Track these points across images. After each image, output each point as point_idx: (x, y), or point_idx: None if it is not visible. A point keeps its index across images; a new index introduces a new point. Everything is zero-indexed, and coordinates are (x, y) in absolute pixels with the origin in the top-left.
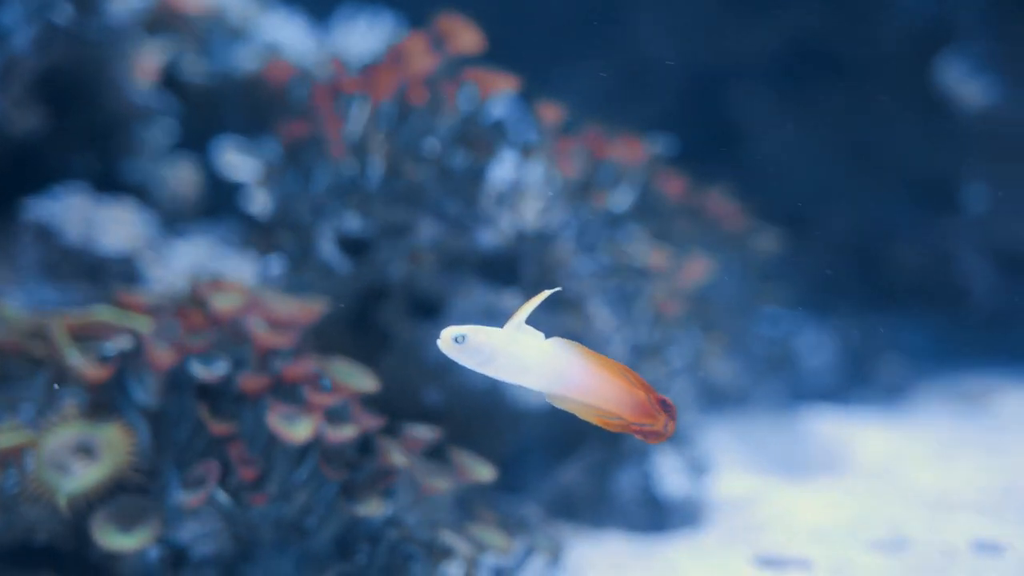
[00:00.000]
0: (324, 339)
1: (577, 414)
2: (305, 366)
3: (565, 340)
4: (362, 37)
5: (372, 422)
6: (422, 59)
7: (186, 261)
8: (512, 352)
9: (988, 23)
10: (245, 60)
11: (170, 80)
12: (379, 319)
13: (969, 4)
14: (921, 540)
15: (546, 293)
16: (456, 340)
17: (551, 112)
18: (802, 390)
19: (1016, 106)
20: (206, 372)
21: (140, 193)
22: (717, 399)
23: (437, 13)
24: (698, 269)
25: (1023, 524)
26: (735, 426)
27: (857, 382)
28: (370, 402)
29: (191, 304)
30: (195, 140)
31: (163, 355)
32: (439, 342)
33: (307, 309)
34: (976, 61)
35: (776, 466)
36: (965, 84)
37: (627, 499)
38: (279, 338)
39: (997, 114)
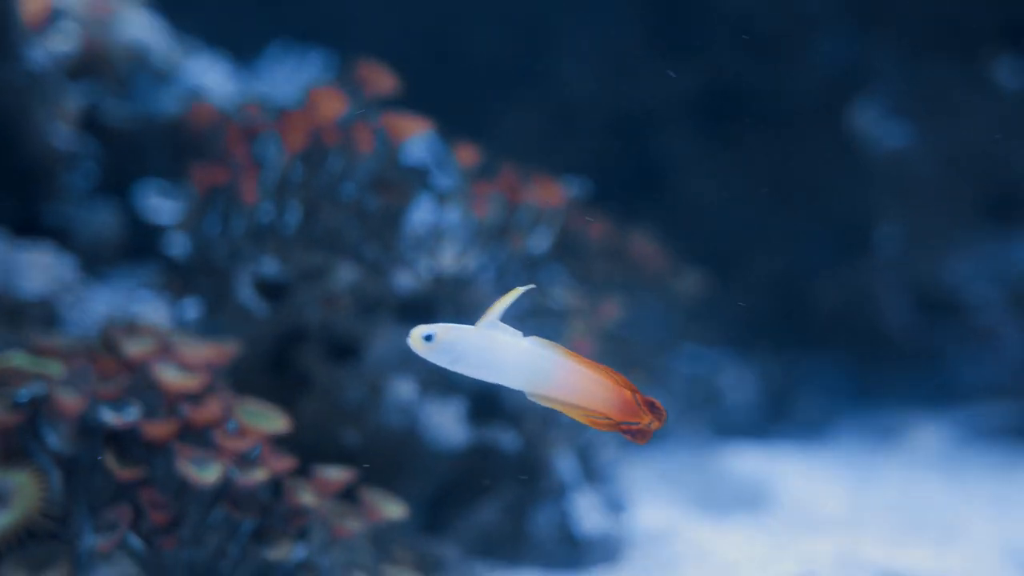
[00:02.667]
0: (242, 382)
1: (564, 412)
2: (212, 410)
3: (544, 340)
4: (287, 80)
5: (283, 464)
6: (334, 103)
7: (105, 305)
8: (485, 350)
9: (901, 68)
10: (168, 103)
11: (92, 123)
12: (298, 362)
13: (882, 49)
14: (830, 574)
15: (520, 290)
16: (426, 339)
17: (468, 154)
18: (724, 427)
19: (927, 150)
20: (116, 418)
21: (61, 237)
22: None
23: (363, 54)
24: (611, 308)
25: (933, 558)
26: (655, 463)
27: (777, 418)
28: (288, 444)
29: (104, 349)
30: (117, 183)
31: (71, 401)
32: (409, 340)
33: (220, 352)
34: (889, 105)
35: (694, 502)
36: (878, 128)
37: (545, 537)
38: (189, 382)
39: (909, 157)
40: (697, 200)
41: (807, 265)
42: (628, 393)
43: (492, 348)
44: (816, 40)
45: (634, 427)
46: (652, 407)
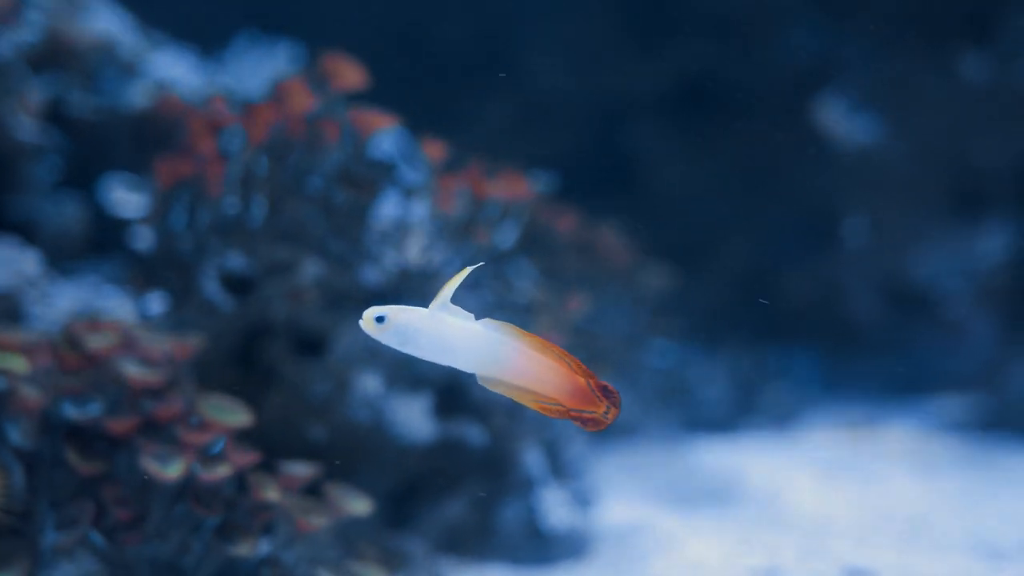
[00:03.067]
0: (208, 377)
1: (513, 398)
2: (175, 404)
3: (498, 321)
4: (253, 72)
5: (246, 459)
6: (301, 98)
7: (69, 300)
8: (436, 332)
9: (869, 61)
10: (135, 96)
11: (57, 116)
12: (264, 357)
13: (851, 42)
14: (794, 568)
15: (467, 270)
16: (378, 320)
17: (435, 149)
18: (694, 420)
19: (894, 143)
20: (79, 413)
21: (25, 231)
22: (607, 432)
23: (332, 46)
24: (577, 303)
25: (895, 551)
26: (623, 458)
27: (746, 412)
28: (254, 439)
29: (68, 344)
30: (83, 176)
31: (33, 396)
32: (361, 323)
33: (183, 346)
34: (857, 98)
35: (663, 496)
36: (845, 121)
37: (512, 532)
38: (152, 377)
39: (876, 150)
40: (667, 193)
41: (776, 257)
42: (582, 380)
43: (443, 331)
44: (785, 33)
45: (587, 415)
46: (607, 393)
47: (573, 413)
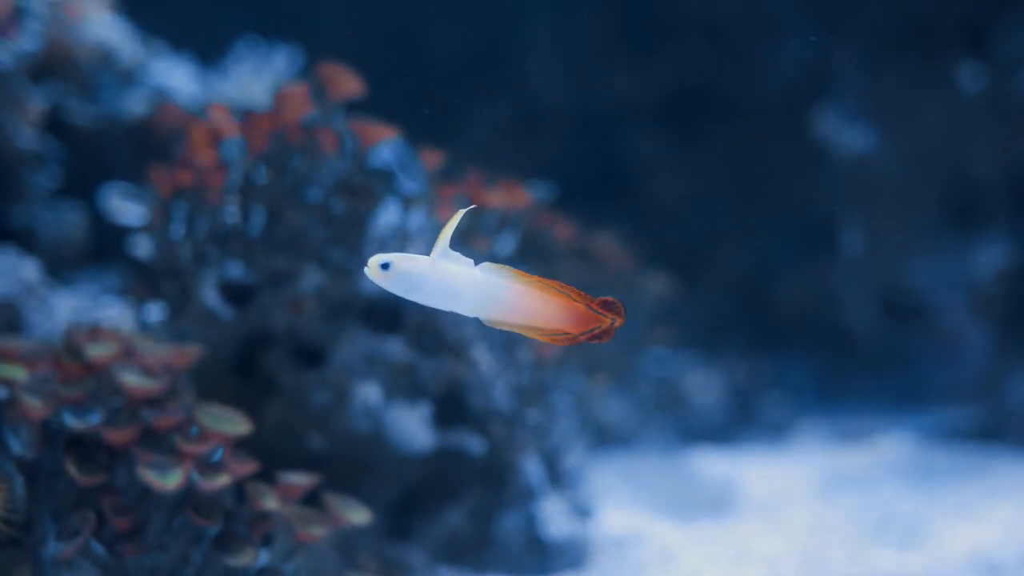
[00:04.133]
0: (207, 386)
1: (520, 334)
2: (175, 414)
3: (496, 265)
4: (252, 78)
5: (244, 468)
6: (299, 106)
7: (69, 308)
8: (439, 278)
9: (863, 72)
10: (134, 104)
11: (57, 124)
12: (263, 366)
13: (846, 52)
14: None
15: (461, 212)
16: (383, 267)
17: (433, 158)
18: (690, 429)
19: (889, 153)
20: (79, 423)
21: (25, 239)
22: (605, 440)
23: (329, 54)
24: None
25: (895, 563)
26: (622, 466)
27: (743, 421)
28: (253, 449)
29: (68, 353)
30: (82, 185)
31: (35, 406)
32: (366, 270)
33: (182, 355)
34: (851, 109)
35: (661, 506)
36: (841, 132)
37: (511, 542)
38: (151, 386)
39: (871, 161)
40: (663, 201)
41: (772, 267)
42: (581, 305)
43: (446, 277)
44: (780, 42)
45: (596, 331)
46: (608, 306)
47: (582, 337)
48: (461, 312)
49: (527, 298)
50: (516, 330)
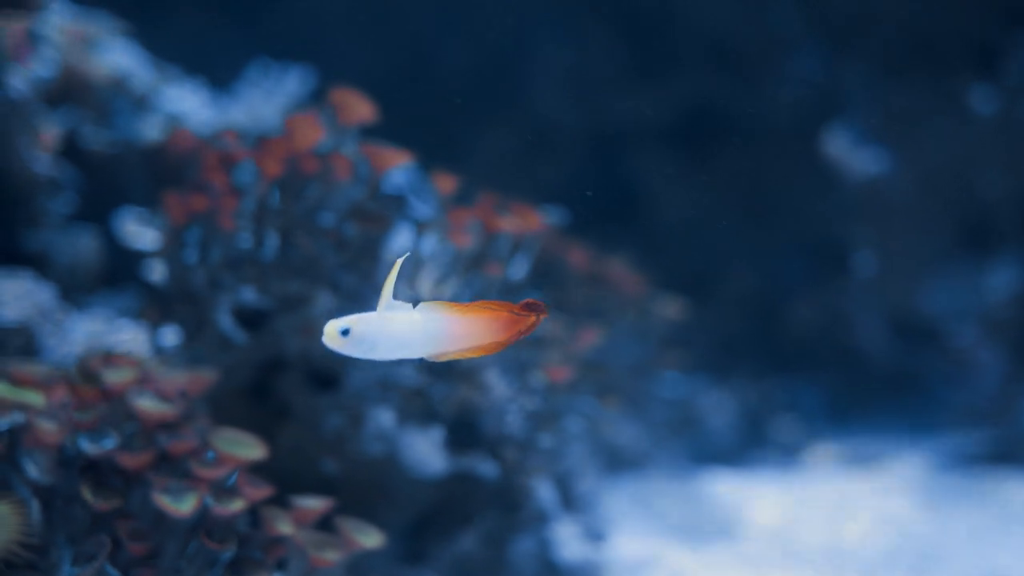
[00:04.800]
0: (221, 411)
1: (460, 358)
2: (190, 439)
3: (429, 303)
4: (265, 101)
5: (259, 492)
6: (311, 131)
7: (84, 332)
8: (388, 332)
9: (874, 93)
10: (148, 130)
11: (71, 150)
12: (277, 391)
13: (856, 73)
14: None
15: (399, 262)
16: (343, 334)
17: (446, 182)
18: (702, 453)
19: (901, 175)
20: (94, 448)
21: (40, 263)
22: (617, 463)
23: (338, 78)
24: (590, 337)
25: None
26: (634, 490)
27: (755, 444)
28: (266, 473)
29: (83, 378)
30: (96, 210)
31: (51, 431)
32: (324, 339)
33: (197, 380)
34: (862, 130)
35: (673, 530)
36: (851, 153)
37: (524, 566)
38: (166, 411)
39: (883, 183)
40: (672, 223)
41: (784, 289)
42: (506, 314)
43: (395, 328)
44: (790, 63)
45: (523, 332)
46: (531, 307)
47: (511, 340)
48: (410, 357)
49: (460, 325)
50: (455, 357)
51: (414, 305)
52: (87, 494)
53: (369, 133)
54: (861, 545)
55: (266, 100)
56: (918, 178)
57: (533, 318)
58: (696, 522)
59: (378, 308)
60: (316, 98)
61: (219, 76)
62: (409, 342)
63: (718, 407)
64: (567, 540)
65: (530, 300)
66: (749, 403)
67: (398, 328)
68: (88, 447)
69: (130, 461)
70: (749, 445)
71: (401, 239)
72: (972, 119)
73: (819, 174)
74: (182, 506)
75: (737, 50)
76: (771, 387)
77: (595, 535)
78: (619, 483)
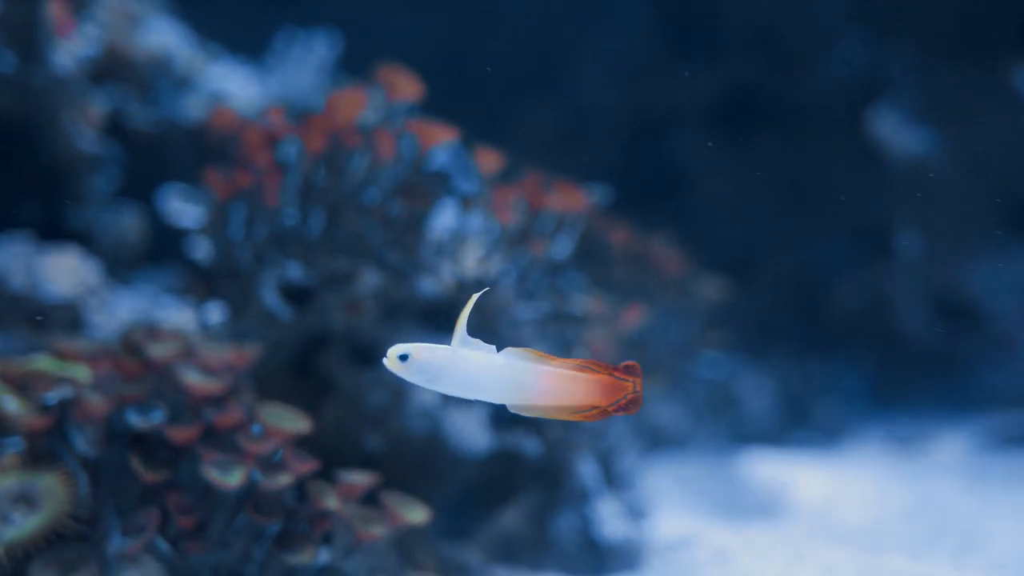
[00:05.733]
0: (266, 386)
1: (549, 417)
2: (237, 413)
3: (518, 350)
4: (297, 68)
5: (305, 466)
6: (354, 105)
7: (129, 309)
8: (460, 368)
9: (919, 75)
10: (191, 108)
11: (116, 127)
12: (321, 367)
13: (901, 56)
14: None
15: (474, 297)
16: (401, 359)
17: (490, 160)
18: (742, 433)
19: (946, 156)
20: (143, 421)
21: (85, 240)
22: (658, 442)
23: (384, 58)
24: (634, 314)
25: (952, 567)
26: (675, 469)
27: (795, 424)
28: (311, 449)
29: (128, 352)
30: (140, 187)
31: (98, 405)
32: (385, 361)
33: (242, 354)
34: (907, 112)
35: (715, 509)
36: (897, 134)
37: (566, 543)
38: (213, 385)
39: (928, 164)
40: (714, 205)
41: (825, 270)
42: (607, 377)
43: (468, 366)
44: (834, 46)
45: (623, 401)
46: (629, 371)
47: (611, 408)
48: (487, 400)
49: (552, 379)
50: (543, 415)
51: (498, 348)
52: (137, 466)
53: (412, 112)
54: (903, 525)
55: (297, 68)
56: (963, 159)
57: (633, 385)
58: (737, 501)
59: (452, 341)
60: (345, 64)
61: (250, 47)
62: (483, 384)
63: (759, 388)
64: (609, 517)
65: (628, 363)
66: (790, 384)
67: (470, 367)
68: (136, 420)
69: (179, 434)
70: (790, 426)
71: (446, 216)
72: (1018, 100)
73: (863, 156)
74: (230, 479)
75: (778, 32)
76: (812, 368)
77: (636, 512)
78: (660, 462)
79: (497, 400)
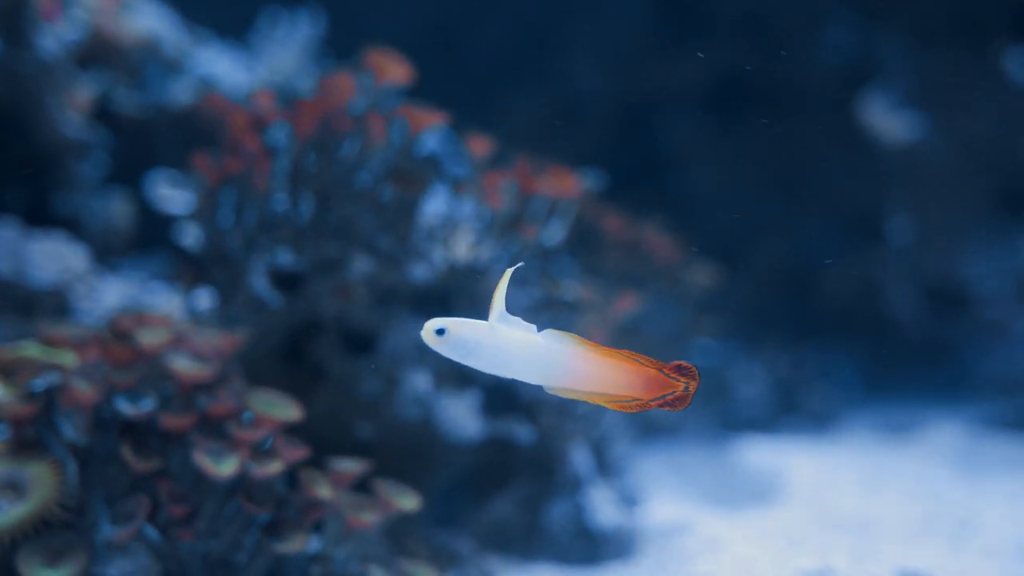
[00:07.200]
0: (256, 373)
1: (587, 401)
2: (228, 401)
3: (559, 332)
4: (283, 46)
5: (296, 454)
6: (344, 90)
7: (117, 295)
8: (497, 345)
9: (910, 60)
10: (179, 93)
11: (103, 112)
12: (312, 353)
13: (891, 41)
14: (846, 570)
15: (509, 272)
16: (438, 332)
17: (481, 145)
18: (734, 420)
19: (938, 142)
20: (133, 409)
21: (72, 226)
22: (650, 430)
23: (373, 43)
24: (627, 302)
25: (946, 554)
26: (667, 456)
27: (787, 412)
28: (302, 436)
29: (115, 338)
30: (128, 173)
31: (85, 392)
32: (422, 333)
33: (230, 340)
34: (898, 98)
35: (707, 496)
36: (888, 120)
37: (559, 531)
38: (202, 372)
39: (919, 149)
40: (704, 191)
41: (816, 256)
42: (652, 371)
43: (505, 344)
44: (824, 31)
45: (669, 397)
46: (682, 370)
47: (653, 403)
48: (523, 380)
49: (593, 365)
50: (581, 397)
51: (538, 328)
52: (128, 454)
53: (401, 97)
54: (897, 512)
55: (283, 47)
56: (954, 145)
57: (684, 386)
58: (730, 489)
59: (489, 318)
60: (333, 47)
61: (235, 29)
62: (521, 363)
63: (750, 375)
64: (601, 505)
65: (682, 363)
66: (781, 371)
67: (509, 345)
68: (126, 408)
69: (172, 422)
70: (782, 413)
71: (437, 200)
72: (1009, 86)
73: (854, 142)
74: (223, 468)
75: (769, 17)
76: (804, 355)
77: (629, 500)
78: (653, 449)
79: (532, 380)
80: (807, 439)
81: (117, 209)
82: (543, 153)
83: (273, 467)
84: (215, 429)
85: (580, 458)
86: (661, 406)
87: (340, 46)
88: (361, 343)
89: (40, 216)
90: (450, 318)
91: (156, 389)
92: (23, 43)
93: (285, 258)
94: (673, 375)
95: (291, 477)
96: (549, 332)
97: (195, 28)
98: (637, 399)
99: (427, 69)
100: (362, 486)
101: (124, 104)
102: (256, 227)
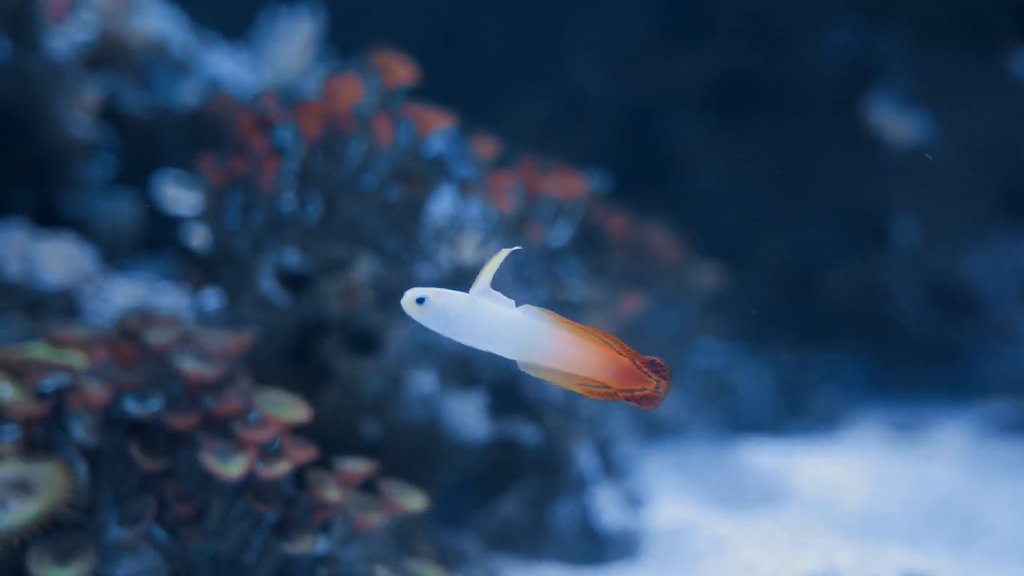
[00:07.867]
0: (263, 373)
1: (557, 383)
2: (235, 401)
3: (537, 308)
4: (285, 42)
5: (303, 454)
6: (350, 91)
7: (125, 295)
8: (476, 317)
9: (914, 60)
10: (187, 94)
11: (111, 113)
12: (318, 353)
13: (895, 41)
14: (852, 571)
15: (504, 252)
16: (418, 301)
17: (486, 146)
18: (739, 421)
19: (942, 142)
20: (140, 409)
21: (80, 227)
22: (656, 431)
23: (377, 43)
24: (633, 302)
25: (952, 555)
26: (673, 458)
27: (792, 413)
28: (308, 436)
29: (124, 339)
30: (136, 174)
31: (97, 392)
32: (402, 302)
33: (237, 340)
34: (903, 97)
35: (713, 497)
36: (892, 120)
37: (565, 531)
38: (209, 372)
39: (924, 149)
40: (708, 191)
41: (821, 257)
42: (626, 360)
43: (483, 316)
44: (828, 31)
45: (638, 393)
46: (655, 367)
47: (622, 394)
48: (498, 353)
49: (567, 345)
50: (552, 379)
51: (517, 304)
52: (136, 454)
53: (407, 98)
54: (903, 513)
55: (285, 45)
56: (959, 144)
57: (655, 385)
58: (735, 490)
59: (471, 290)
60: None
61: (237, 28)
62: (497, 337)
63: (756, 376)
64: (607, 505)
65: (656, 360)
66: (786, 372)
67: (487, 318)
68: (134, 408)
69: (180, 422)
70: (787, 414)
71: (443, 202)
72: (1014, 85)
73: (858, 142)
74: (230, 468)
75: (772, 17)
76: (809, 356)
77: (634, 500)
78: (658, 450)
79: (507, 355)
80: (812, 440)
81: (125, 210)
82: (546, 152)
83: (281, 467)
84: (222, 429)
85: (585, 459)
86: (628, 400)
87: (344, 45)
88: (367, 343)
89: (48, 217)
90: (430, 288)
91: (163, 389)
92: (31, 44)
93: (292, 259)
94: (646, 369)
95: (299, 477)
96: (527, 307)
97: (200, 28)
98: (606, 387)
99: (430, 68)
100: (368, 486)
101: (131, 105)
102: (263, 228)
